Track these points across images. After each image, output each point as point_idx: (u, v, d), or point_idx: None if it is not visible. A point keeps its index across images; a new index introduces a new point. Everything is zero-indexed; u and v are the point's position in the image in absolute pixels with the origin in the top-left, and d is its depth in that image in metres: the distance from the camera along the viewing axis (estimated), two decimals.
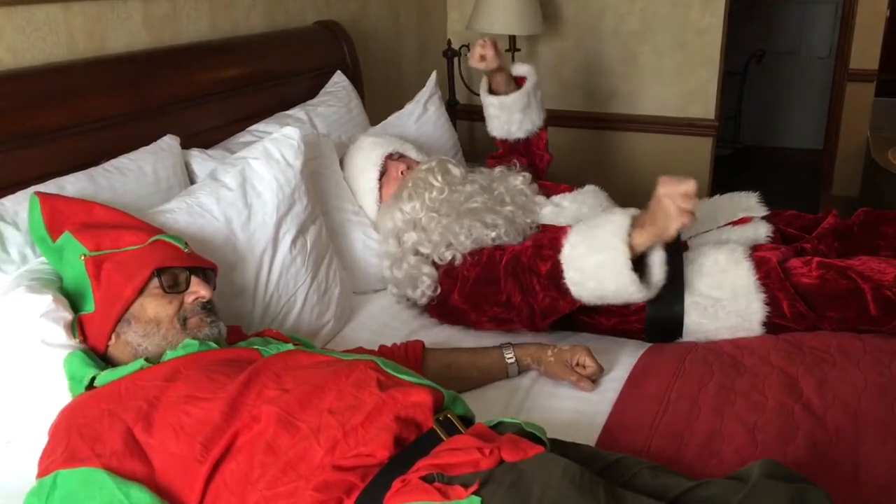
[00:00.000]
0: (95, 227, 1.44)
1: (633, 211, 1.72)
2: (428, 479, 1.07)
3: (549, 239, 1.79)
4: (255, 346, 1.39)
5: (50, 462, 1.17)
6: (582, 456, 1.19)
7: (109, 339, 1.37)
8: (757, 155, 6.07)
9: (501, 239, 1.91)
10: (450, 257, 1.91)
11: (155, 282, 1.38)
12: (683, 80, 3.31)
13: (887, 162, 3.96)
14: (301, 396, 1.21)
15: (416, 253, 1.96)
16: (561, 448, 1.22)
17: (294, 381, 1.25)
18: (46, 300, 1.35)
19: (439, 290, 1.92)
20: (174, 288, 1.39)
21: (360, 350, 1.60)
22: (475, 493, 1.04)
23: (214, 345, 1.37)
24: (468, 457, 1.09)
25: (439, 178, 2.01)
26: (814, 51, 5.83)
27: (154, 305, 1.37)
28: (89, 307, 1.37)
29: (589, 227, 1.74)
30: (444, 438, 1.16)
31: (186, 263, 1.43)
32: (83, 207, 1.49)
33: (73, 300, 1.41)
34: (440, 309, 1.96)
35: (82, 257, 1.38)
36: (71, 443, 1.17)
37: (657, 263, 1.70)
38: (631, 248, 1.65)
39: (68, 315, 1.36)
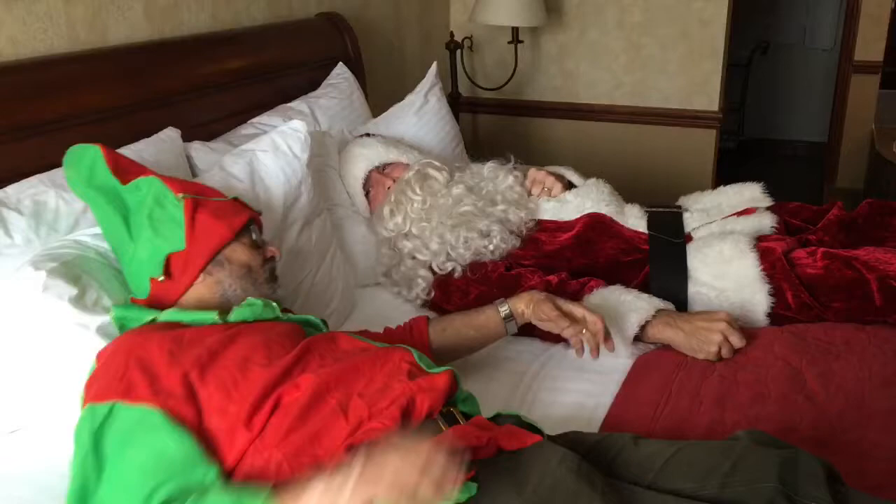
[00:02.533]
0: (170, 179, 1.47)
1: (661, 304, 1.73)
2: None
3: (574, 291, 1.79)
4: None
5: (106, 389, 1.16)
6: (566, 441, 1.21)
7: (198, 276, 1.38)
8: (761, 147, 6.05)
9: (499, 248, 1.92)
10: (450, 268, 1.92)
11: (246, 232, 1.45)
12: (687, 72, 3.30)
13: (892, 154, 3.95)
14: (338, 374, 1.24)
15: (413, 258, 1.96)
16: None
17: (334, 362, 1.28)
18: (52, 279, 1.34)
19: (433, 295, 1.93)
20: (260, 242, 1.47)
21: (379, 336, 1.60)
22: (472, 479, 1.04)
23: (276, 306, 1.40)
24: (466, 444, 1.10)
25: (418, 189, 1.99)
26: (818, 42, 5.81)
27: (245, 252, 1.43)
28: (178, 245, 1.37)
29: (619, 293, 1.75)
30: (444, 430, 1.17)
31: (260, 222, 1.53)
32: (141, 167, 1.50)
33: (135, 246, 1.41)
34: (435, 309, 1.96)
35: (181, 196, 1.39)
36: (129, 374, 1.17)
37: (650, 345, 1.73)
38: (644, 331, 1.69)
39: (73, 290, 1.35)
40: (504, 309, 1.62)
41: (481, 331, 1.65)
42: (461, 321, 1.66)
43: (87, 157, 1.46)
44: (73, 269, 1.38)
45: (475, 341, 1.66)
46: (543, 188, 2.11)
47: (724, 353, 1.63)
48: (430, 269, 1.94)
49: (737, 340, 1.63)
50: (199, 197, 1.42)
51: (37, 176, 1.59)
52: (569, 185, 2.15)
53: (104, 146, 1.47)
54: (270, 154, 1.82)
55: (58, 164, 1.62)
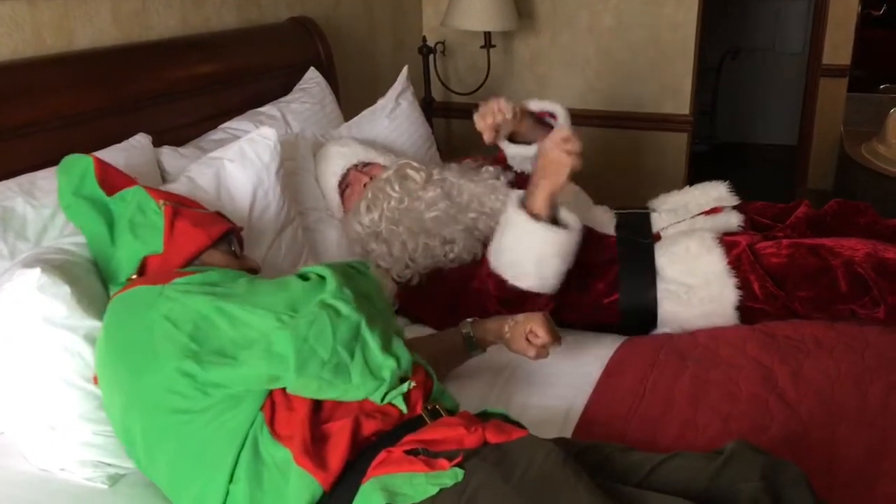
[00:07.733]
0: (155, 190, 1.51)
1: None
2: (413, 454, 1.10)
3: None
4: None
5: None
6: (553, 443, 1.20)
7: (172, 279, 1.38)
8: (733, 151, 6.10)
9: (461, 257, 1.91)
10: (409, 276, 1.92)
11: (225, 241, 1.47)
12: (658, 77, 3.32)
13: (860, 156, 4.00)
14: None
15: (378, 266, 1.96)
16: None
17: None
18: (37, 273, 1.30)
19: (397, 306, 1.93)
20: (239, 254, 1.50)
21: None
22: (458, 465, 1.06)
23: None
24: (453, 432, 1.13)
25: (397, 187, 1.99)
26: (787, 47, 5.88)
27: (223, 259, 1.45)
28: (156, 249, 1.40)
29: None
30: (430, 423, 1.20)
31: (241, 237, 1.55)
32: (130, 179, 1.53)
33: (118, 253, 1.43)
34: (403, 316, 1.96)
35: (162, 203, 1.43)
36: None
37: (567, 218, 1.75)
38: (534, 212, 1.72)
39: (68, 289, 1.32)
40: (466, 331, 1.64)
41: (447, 349, 1.65)
42: (430, 344, 1.65)
43: (78, 167, 1.49)
44: (66, 271, 1.36)
45: (441, 360, 1.61)
46: (492, 124, 1.92)
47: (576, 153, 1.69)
48: (393, 279, 1.94)
49: (561, 135, 1.70)
50: (179, 205, 1.46)
51: (4, 182, 1.57)
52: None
53: (97, 158, 1.51)
54: (238, 164, 1.81)
55: (26, 171, 1.61)
